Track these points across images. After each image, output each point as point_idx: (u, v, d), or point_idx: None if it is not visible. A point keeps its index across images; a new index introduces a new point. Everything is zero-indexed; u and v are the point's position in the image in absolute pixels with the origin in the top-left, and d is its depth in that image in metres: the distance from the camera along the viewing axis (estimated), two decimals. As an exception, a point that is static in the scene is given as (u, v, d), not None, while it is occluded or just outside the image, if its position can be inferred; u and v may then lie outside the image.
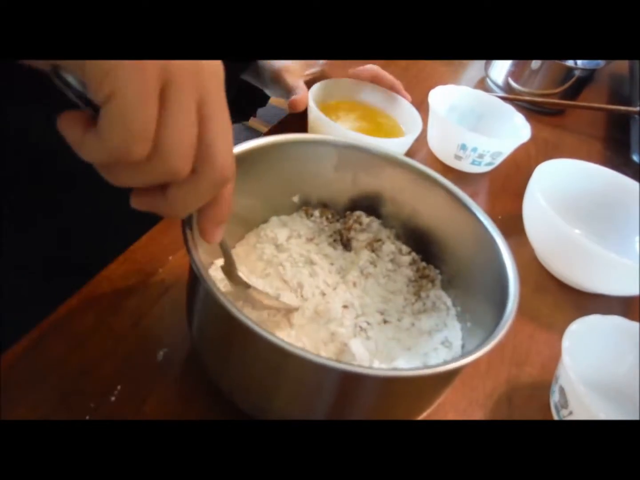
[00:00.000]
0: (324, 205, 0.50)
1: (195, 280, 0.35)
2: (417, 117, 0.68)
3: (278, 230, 0.47)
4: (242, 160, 0.43)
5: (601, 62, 0.95)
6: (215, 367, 0.38)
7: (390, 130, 0.70)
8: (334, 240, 0.49)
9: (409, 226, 0.48)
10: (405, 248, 0.48)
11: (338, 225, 0.49)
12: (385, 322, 0.43)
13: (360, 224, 0.48)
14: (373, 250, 0.47)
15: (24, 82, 0.38)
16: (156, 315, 0.45)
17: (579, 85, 0.93)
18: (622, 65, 1.14)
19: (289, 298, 0.42)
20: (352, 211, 0.49)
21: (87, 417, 0.37)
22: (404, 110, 0.70)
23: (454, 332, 0.42)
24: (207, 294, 0.33)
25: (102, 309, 0.44)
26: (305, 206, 0.49)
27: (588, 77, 0.93)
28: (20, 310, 0.48)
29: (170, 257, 0.50)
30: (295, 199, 0.49)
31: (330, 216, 0.49)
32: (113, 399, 0.39)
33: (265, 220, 0.48)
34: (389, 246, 0.47)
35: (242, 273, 0.43)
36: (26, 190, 0.51)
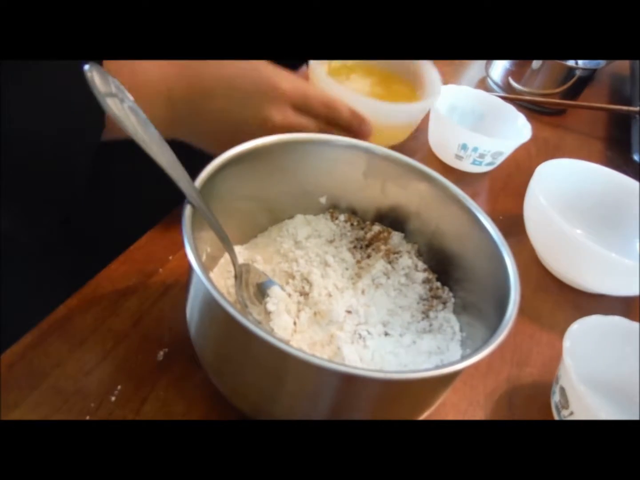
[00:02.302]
0: (352, 212, 0.50)
1: (194, 280, 0.35)
2: (437, 83, 0.63)
3: (300, 227, 0.48)
4: (272, 151, 0.43)
5: (602, 62, 0.95)
6: (215, 368, 0.37)
7: (406, 98, 0.65)
8: (354, 247, 0.48)
9: (434, 244, 0.47)
10: (421, 264, 0.47)
11: (361, 233, 0.49)
12: (386, 334, 0.42)
13: (384, 236, 0.48)
14: (389, 262, 0.47)
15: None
16: (156, 315, 0.45)
17: (580, 85, 0.93)
18: (622, 65, 1.14)
19: (278, 293, 0.42)
20: (379, 222, 0.49)
21: (87, 417, 0.37)
22: (425, 77, 0.65)
23: (454, 357, 0.41)
24: (206, 295, 0.33)
25: (102, 309, 0.44)
26: (333, 209, 0.50)
27: (589, 77, 0.93)
28: (20, 310, 0.48)
29: (170, 257, 0.50)
30: (323, 200, 0.49)
31: (355, 223, 0.49)
32: (113, 399, 0.39)
33: (291, 216, 0.49)
34: (406, 260, 0.47)
35: (258, 263, 0.44)
36: (27, 190, 0.51)
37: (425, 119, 0.74)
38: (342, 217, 0.49)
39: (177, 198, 0.36)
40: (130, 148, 0.33)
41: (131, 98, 0.34)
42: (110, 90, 0.32)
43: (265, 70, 0.47)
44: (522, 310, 0.36)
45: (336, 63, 0.63)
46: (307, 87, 0.48)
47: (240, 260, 0.43)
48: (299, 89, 0.47)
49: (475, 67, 1.05)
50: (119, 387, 0.39)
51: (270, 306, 0.40)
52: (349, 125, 0.50)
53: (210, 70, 0.45)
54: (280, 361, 0.32)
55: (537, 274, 0.61)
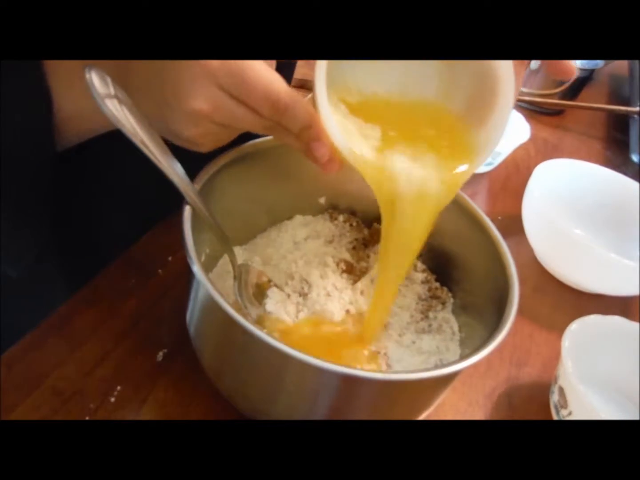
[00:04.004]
0: (351, 212, 0.50)
1: (194, 281, 0.35)
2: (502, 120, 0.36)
3: (299, 228, 0.48)
4: (271, 152, 0.43)
5: (601, 62, 0.95)
6: (214, 368, 0.38)
7: (451, 152, 0.38)
8: (353, 248, 0.49)
9: (433, 245, 0.47)
10: (420, 265, 0.47)
11: (360, 234, 0.49)
12: (385, 334, 0.42)
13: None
14: None
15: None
16: (156, 315, 0.45)
17: (579, 85, 0.93)
18: (621, 65, 1.14)
19: (277, 294, 0.42)
20: (378, 223, 0.49)
21: (87, 418, 0.37)
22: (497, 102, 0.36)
23: (453, 357, 0.41)
24: (206, 296, 0.33)
25: (101, 310, 0.44)
26: (332, 210, 0.50)
27: (588, 77, 0.93)
28: (20, 310, 0.48)
29: (170, 258, 0.50)
30: (322, 200, 0.49)
31: (354, 223, 0.50)
32: (113, 399, 0.39)
33: (290, 217, 0.49)
34: None
35: (257, 263, 0.44)
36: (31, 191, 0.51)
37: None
38: (341, 218, 0.49)
39: (176, 199, 0.36)
40: (129, 148, 0.33)
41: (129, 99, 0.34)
42: (109, 91, 0.32)
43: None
44: (521, 310, 0.36)
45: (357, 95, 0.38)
46: (246, 68, 0.33)
47: (240, 261, 0.43)
48: (232, 66, 0.33)
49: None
50: (118, 387, 0.39)
51: (269, 307, 0.40)
52: (299, 135, 0.36)
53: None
54: (280, 361, 0.32)
55: (536, 274, 0.61)
